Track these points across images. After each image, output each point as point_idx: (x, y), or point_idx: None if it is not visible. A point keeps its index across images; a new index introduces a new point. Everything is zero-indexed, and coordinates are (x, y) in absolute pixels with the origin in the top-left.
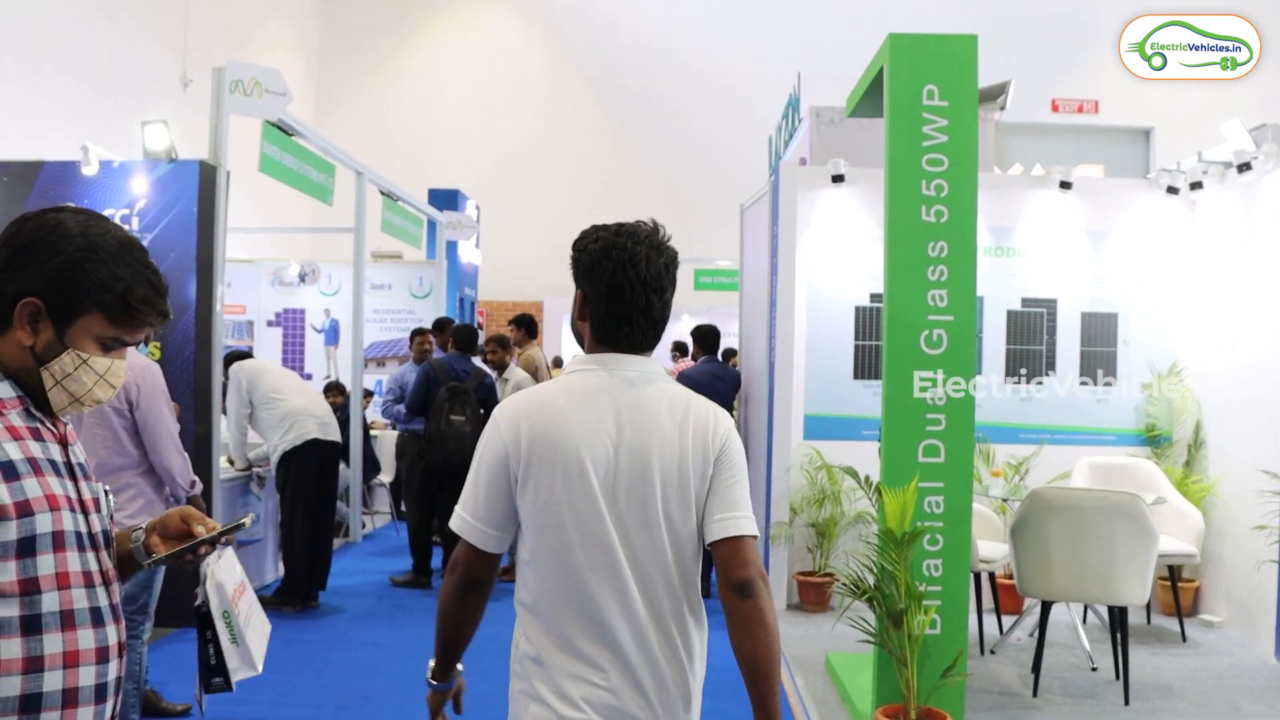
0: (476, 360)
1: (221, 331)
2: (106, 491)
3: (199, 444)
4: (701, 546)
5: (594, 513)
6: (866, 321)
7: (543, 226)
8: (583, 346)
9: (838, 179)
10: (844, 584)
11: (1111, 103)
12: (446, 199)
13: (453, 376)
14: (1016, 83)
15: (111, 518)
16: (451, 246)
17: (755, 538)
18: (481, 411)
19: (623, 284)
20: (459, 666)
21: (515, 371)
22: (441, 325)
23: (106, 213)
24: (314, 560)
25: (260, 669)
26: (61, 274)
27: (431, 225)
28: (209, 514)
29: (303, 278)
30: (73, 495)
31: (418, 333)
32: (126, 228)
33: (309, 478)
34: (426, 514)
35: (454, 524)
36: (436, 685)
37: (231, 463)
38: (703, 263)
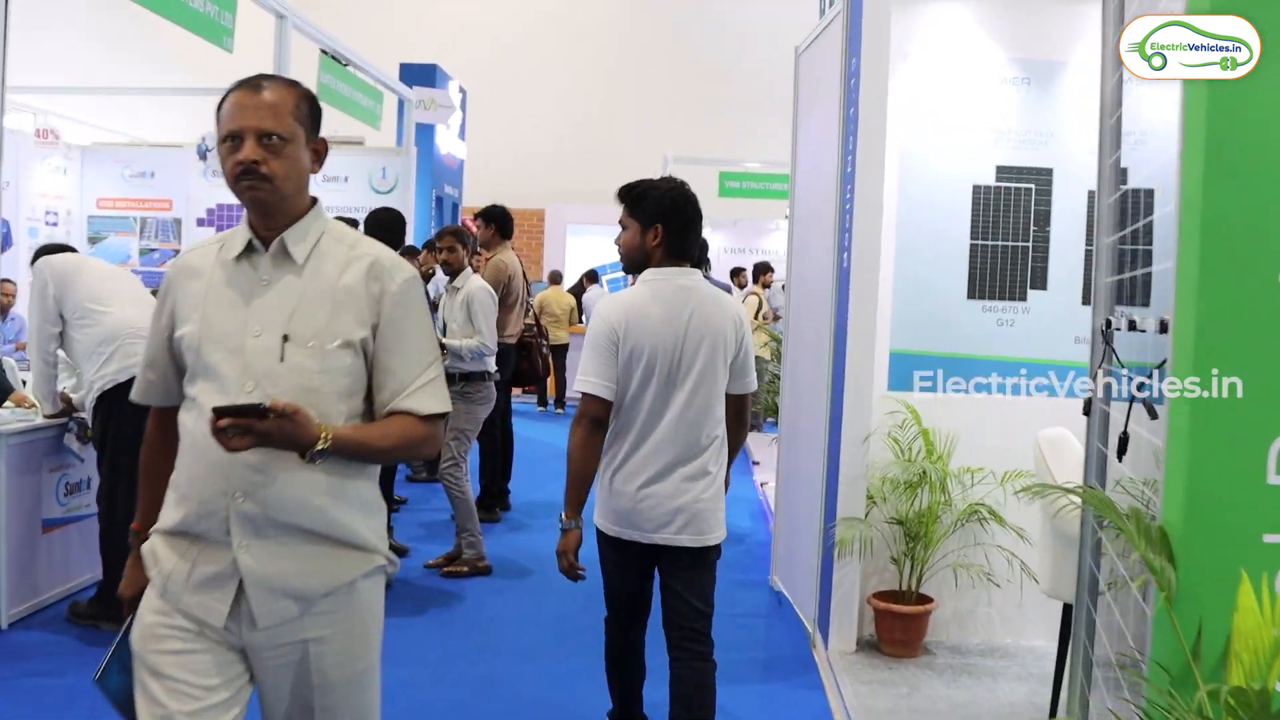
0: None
1: None
2: None
3: None
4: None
5: (665, 379)
6: (991, 209)
7: (549, 124)
8: (642, 266)
9: None
10: None
11: None
12: (421, 74)
13: None
14: None
15: None
16: (426, 132)
17: (754, 392)
18: None
19: (691, 219)
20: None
21: (472, 280)
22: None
23: None
24: None
25: None
26: None
27: (402, 108)
28: None
29: (203, 155)
30: None
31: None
32: None
33: (137, 428)
34: None
35: (579, 384)
36: (568, 526)
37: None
38: (728, 164)
